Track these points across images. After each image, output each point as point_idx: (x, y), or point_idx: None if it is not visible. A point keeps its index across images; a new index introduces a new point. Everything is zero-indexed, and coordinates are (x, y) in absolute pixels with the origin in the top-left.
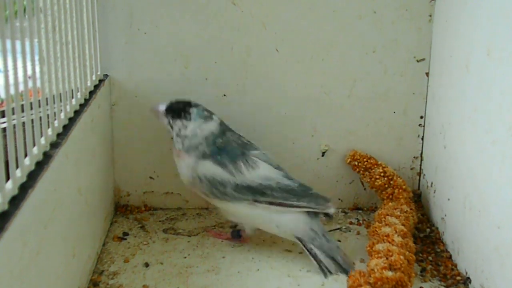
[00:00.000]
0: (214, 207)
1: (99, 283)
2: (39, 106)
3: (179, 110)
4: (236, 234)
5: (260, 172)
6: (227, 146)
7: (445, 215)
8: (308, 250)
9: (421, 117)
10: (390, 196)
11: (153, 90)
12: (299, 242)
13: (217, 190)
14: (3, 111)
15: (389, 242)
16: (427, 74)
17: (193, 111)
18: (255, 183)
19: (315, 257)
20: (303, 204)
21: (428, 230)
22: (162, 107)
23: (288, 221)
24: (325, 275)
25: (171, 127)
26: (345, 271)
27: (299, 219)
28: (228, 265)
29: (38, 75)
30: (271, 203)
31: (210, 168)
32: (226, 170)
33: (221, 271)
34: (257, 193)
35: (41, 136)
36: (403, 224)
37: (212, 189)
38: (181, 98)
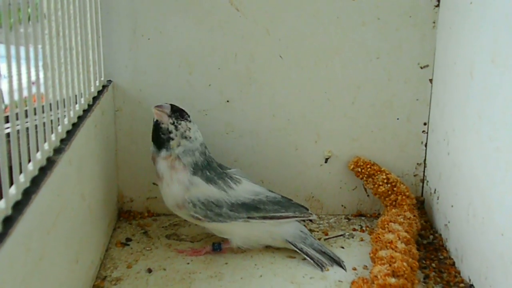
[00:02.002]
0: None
1: None
2: (43, 112)
3: (181, 110)
4: (218, 247)
5: (247, 187)
6: (211, 162)
7: (449, 222)
8: (299, 250)
9: (425, 124)
10: (394, 203)
11: (157, 96)
12: (291, 245)
13: (212, 212)
14: (7, 117)
15: (392, 249)
16: (431, 80)
17: (189, 114)
18: (248, 199)
19: (308, 254)
20: (291, 214)
21: (431, 237)
22: (167, 106)
23: (281, 230)
24: (322, 269)
25: (176, 128)
26: (337, 263)
27: (290, 226)
28: (231, 271)
29: (42, 80)
30: (264, 218)
31: (203, 189)
32: (219, 188)
33: (224, 277)
34: (251, 209)
35: (45, 141)
36: (406, 231)
37: (206, 213)
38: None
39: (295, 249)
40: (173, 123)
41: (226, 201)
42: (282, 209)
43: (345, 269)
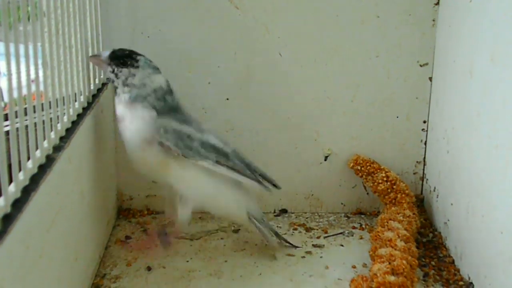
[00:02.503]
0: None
1: (101, 286)
2: (42, 110)
3: (125, 57)
4: (164, 238)
5: (214, 138)
6: (180, 108)
7: (448, 220)
8: (257, 228)
9: (424, 122)
10: (393, 201)
11: None
12: (250, 221)
13: (183, 143)
14: (6, 115)
15: (392, 247)
16: (430, 79)
17: (141, 59)
18: (219, 144)
19: (264, 233)
20: (259, 177)
21: (431, 235)
22: (105, 54)
23: (243, 195)
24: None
25: (116, 75)
26: (291, 245)
27: (254, 202)
28: (230, 269)
29: (41, 78)
30: (233, 168)
31: (173, 123)
32: (192, 127)
33: (223, 275)
34: (220, 154)
35: (44, 139)
36: (405, 229)
37: (177, 142)
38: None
39: (254, 225)
40: (113, 71)
41: (198, 138)
42: (248, 171)
43: (297, 246)
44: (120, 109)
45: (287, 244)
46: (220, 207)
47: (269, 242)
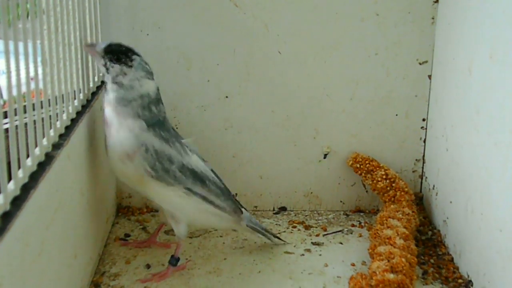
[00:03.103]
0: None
1: (100, 284)
2: (41, 107)
3: (120, 53)
4: (175, 261)
5: (198, 160)
6: (165, 123)
7: (447, 218)
8: (251, 228)
9: (423, 120)
10: (392, 199)
11: None
12: (240, 226)
13: (161, 165)
14: (5, 112)
15: (391, 245)
16: (430, 76)
17: (136, 59)
18: (198, 169)
19: (257, 230)
20: (227, 208)
21: (430, 232)
22: (101, 45)
23: None
24: (272, 240)
25: (107, 70)
26: (279, 239)
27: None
28: (229, 267)
29: (40, 76)
30: (204, 199)
31: (157, 143)
32: (173, 148)
33: (222, 273)
34: (198, 179)
35: (43, 137)
36: (405, 227)
37: (155, 164)
38: (123, 43)
39: (245, 229)
40: (104, 65)
41: (178, 161)
42: (222, 196)
43: (284, 241)
44: (109, 112)
45: (276, 238)
46: (205, 224)
47: (266, 238)
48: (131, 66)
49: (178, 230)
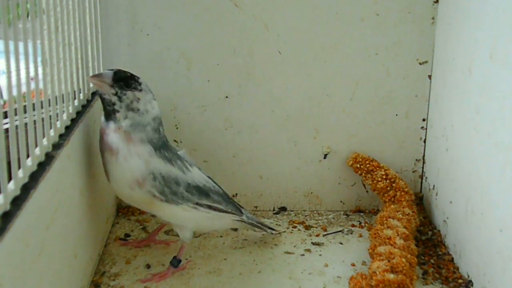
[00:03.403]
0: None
1: (100, 284)
2: (42, 107)
3: (128, 78)
4: (176, 262)
5: (198, 172)
6: (167, 141)
7: (447, 218)
8: (248, 224)
9: (424, 120)
10: (392, 199)
11: (155, 91)
12: (238, 223)
13: (169, 189)
14: (5, 112)
15: (391, 245)
16: (430, 76)
17: (142, 81)
18: (201, 183)
19: (254, 225)
20: (230, 210)
21: (430, 233)
22: (108, 75)
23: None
24: (272, 233)
25: (119, 98)
26: (274, 230)
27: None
28: (229, 267)
29: (40, 76)
30: (210, 207)
31: (164, 166)
32: (177, 167)
33: (222, 272)
34: (202, 194)
35: (43, 137)
36: (405, 227)
37: (164, 189)
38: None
39: (243, 224)
40: (115, 94)
41: (184, 181)
42: (224, 202)
43: (279, 233)
44: (114, 138)
45: (271, 230)
46: (211, 228)
47: (264, 230)
48: (141, 90)
49: (183, 235)
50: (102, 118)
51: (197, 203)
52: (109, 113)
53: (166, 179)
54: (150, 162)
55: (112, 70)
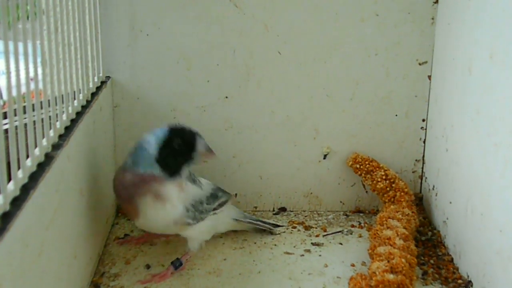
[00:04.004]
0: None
1: (100, 284)
2: (41, 108)
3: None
4: (178, 263)
5: (204, 181)
6: None
7: (447, 218)
8: (248, 223)
9: (423, 120)
10: (392, 199)
11: (155, 92)
12: (238, 222)
13: (198, 211)
14: (5, 113)
15: (391, 245)
16: (429, 77)
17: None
18: (211, 189)
19: (254, 223)
20: (227, 198)
21: (429, 233)
22: (206, 145)
23: (229, 212)
24: (271, 232)
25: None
26: (276, 225)
27: (232, 207)
28: (229, 267)
29: (40, 76)
30: (220, 205)
31: (191, 192)
32: (198, 186)
33: (222, 273)
34: (215, 198)
35: (43, 137)
36: (404, 227)
37: (195, 214)
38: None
39: (243, 223)
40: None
41: (204, 197)
42: (224, 195)
43: (281, 226)
44: (171, 191)
45: (271, 226)
46: (224, 230)
47: (264, 227)
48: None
49: (193, 245)
50: (130, 159)
51: (214, 209)
52: (180, 169)
53: (195, 205)
54: (187, 199)
55: (199, 136)
